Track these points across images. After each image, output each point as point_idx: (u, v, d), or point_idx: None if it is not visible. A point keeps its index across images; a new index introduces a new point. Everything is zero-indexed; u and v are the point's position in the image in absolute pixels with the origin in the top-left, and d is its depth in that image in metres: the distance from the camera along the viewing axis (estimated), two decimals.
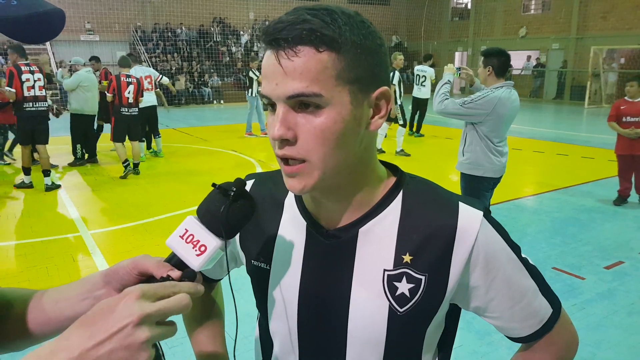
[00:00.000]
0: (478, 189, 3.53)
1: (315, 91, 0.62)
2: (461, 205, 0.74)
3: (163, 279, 0.65)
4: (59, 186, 6.27)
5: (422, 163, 8.16)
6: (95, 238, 4.60)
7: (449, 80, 3.53)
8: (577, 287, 3.58)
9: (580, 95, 18.21)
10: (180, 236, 0.65)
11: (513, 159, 6.92)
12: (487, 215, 0.74)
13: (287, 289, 0.79)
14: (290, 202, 0.81)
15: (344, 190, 0.72)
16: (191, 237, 0.65)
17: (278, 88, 0.63)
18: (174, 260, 0.66)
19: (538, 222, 5.13)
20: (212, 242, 0.65)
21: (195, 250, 0.64)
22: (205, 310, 0.99)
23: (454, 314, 0.82)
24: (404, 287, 0.72)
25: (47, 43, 15.88)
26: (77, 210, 5.44)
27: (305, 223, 0.77)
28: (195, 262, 0.64)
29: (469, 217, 0.72)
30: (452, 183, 5.98)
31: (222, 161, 8.23)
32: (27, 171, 6.24)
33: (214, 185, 0.68)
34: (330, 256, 0.75)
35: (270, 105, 0.67)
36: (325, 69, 0.62)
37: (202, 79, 19.35)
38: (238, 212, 0.67)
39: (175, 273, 0.64)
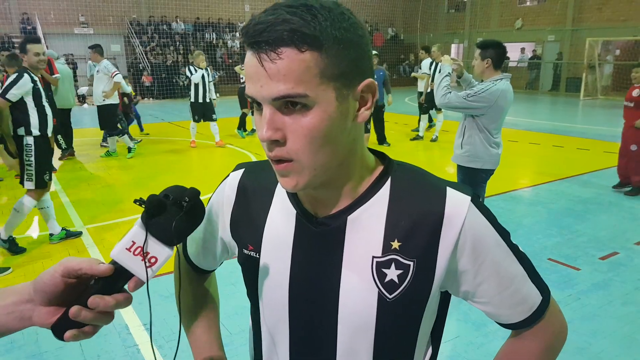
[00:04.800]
0: (476, 181, 3.54)
1: (300, 92, 0.62)
2: (449, 190, 0.74)
3: (95, 283, 0.64)
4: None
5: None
6: (91, 232, 4.59)
7: (449, 73, 3.52)
8: (572, 278, 3.61)
9: (575, 87, 18.22)
10: (127, 248, 0.64)
11: (509, 150, 6.94)
12: (475, 200, 0.74)
13: (277, 277, 0.79)
14: (280, 190, 0.81)
15: (334, 181, 0.73)
16: (139, 249, 0.64)
17: (263, 90, 0.63)
18: (118, 267, 0.64)
19: (534, 213, 5.16)
20: (162, 253, 0.64)
21: (145, 263, 0.63)
22: (200, 300, 1.00)
23: (444, 303, 0.82)
24: (392, 273, 0.72)
25: (41, 36, 15.72)
26: (72, 205, 5.42)
27: (295, 211, 0.78)
28: (145, 274, 0.64)
29: (456, 202, 0.72)
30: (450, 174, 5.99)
31: (218, 154, 8.21)
32: None
33: (166, 195, 0.65)
34: (320, 244, 0.76)
35: (256, 104, 0.67)
36: (309, 68, 0.61)
37: None
38: (190, 222, 0.66)
39: (104, 267, 0.63)
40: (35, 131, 3.95)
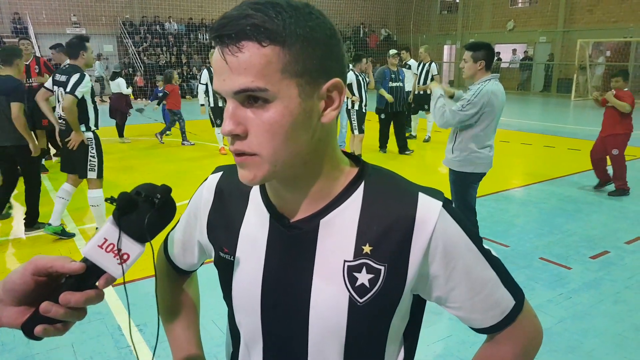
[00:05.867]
0: (468, 183, 3.55)
1: (260, 86, 0.62)
2: (421, 195, 0.74)
3: (67, 280, 0.64)
4: None
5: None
6: (82, 233, 4.56)
7: (441, 94, 3.53)
8: (564, 277, 3.64)
9: (567, 88, 18.37)
10: (98, 246, 0.64)
11: (501, 151, 6.98)
12: (447, 205, 0.74)
13: (250, 280, 0.79)
14: (255, 193, 0.81)
15: (300, 181, 0.72)
16: (111, 246, 0.64)
17: (225, 84, 0.64)
18: (89, 265, 0.64)
19: (526, 213, 5.19)
20: (135, 249, 0.65)
21: (117, 259, 0.64)
22: (179, 300, 1.01)
23: (419, 305, 0.82)
24: (363, 277, 0.72)
25: (32, 36, 15.61)
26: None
27: (269, 214, 0.78)
28: (117, 270, 0.64)
29: (427, 207, 0.72)
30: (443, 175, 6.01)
31: (211, 153, 8.19)
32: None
33: (137, 193, 0.66)
34: (292, 247, 0.75)
35: (223, 99, 0.67)
36: (270, 63, 0.62)
37: (191, 73, 19.20)
38: (162, 219, 0.67)
39: (76, 265, 0.63)
40: (94, 127, 4.28)
